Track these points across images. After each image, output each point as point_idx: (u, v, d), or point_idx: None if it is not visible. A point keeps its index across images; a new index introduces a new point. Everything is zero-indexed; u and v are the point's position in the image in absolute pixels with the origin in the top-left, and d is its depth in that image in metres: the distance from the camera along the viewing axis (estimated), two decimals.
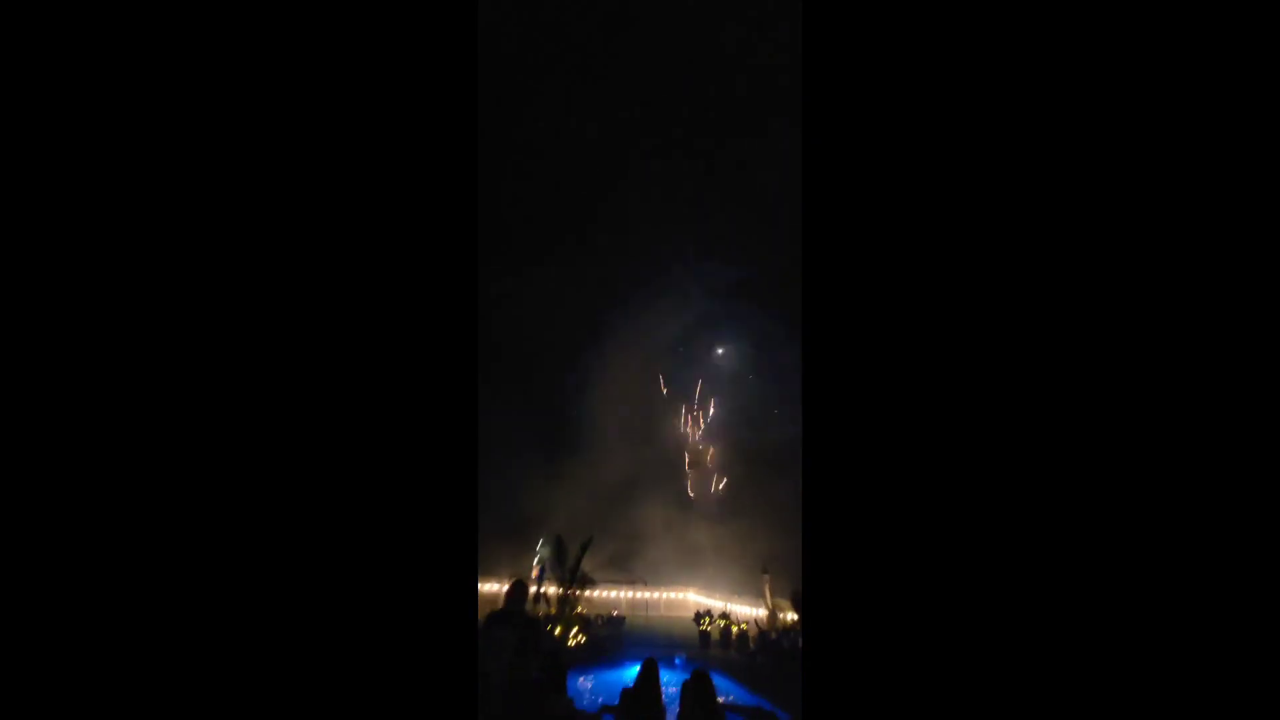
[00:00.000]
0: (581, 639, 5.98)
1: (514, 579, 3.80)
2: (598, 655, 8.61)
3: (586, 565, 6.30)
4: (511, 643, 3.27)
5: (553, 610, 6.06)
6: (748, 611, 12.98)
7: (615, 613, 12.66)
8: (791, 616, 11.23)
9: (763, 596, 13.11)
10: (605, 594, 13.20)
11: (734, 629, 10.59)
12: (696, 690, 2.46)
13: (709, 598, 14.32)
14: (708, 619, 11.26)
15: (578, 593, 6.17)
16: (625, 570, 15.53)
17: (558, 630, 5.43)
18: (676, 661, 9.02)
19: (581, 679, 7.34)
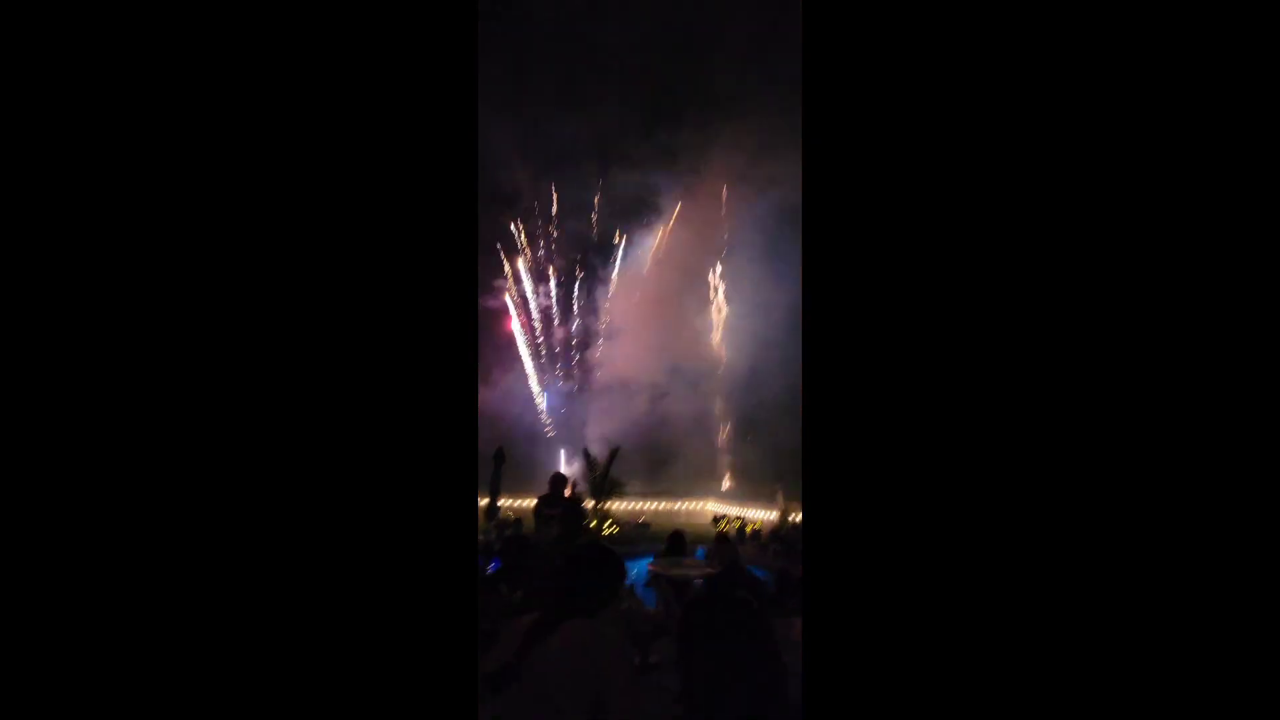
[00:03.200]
0: (615, 529, 7.00)
1: (553, 474, 4.56)
2: (628, 547, 9.94)
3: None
4: (557, 515, 4.02)
5: (588, 506, 7.06)
6: (762, 515, 14.23)
7: (641, 519, 14.09)
8: (801, 516, 12.34)
9: (776, 502, 14.29)
10: (631, 505, 14.53)
11: (748, 528, 11.78)
12: (719, 549, 3.12)
13: (727, 507, 15.62)
14: (725, 520, 12.48)
15: (608, 503, 7.11)
16: (650, 484, 16.84)
17: (593, 523, 6.37)
18: (698, 553, 10.35)
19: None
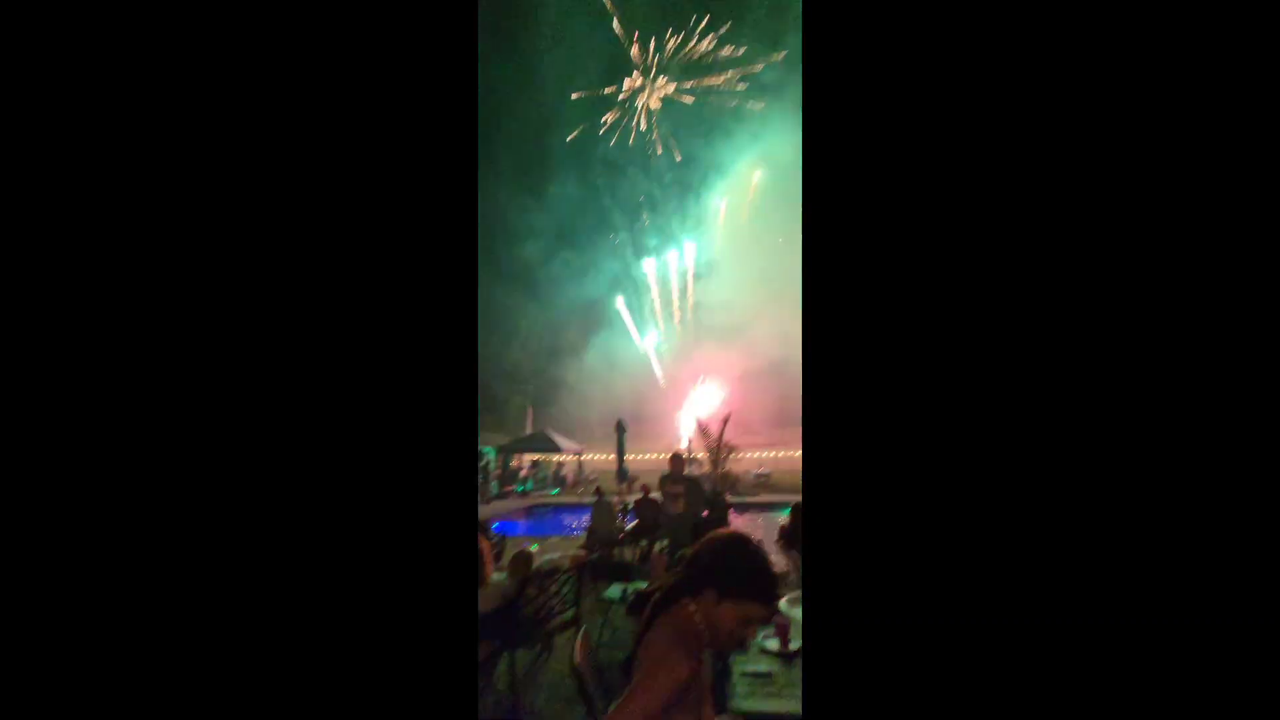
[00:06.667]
0: (730, 494, 7.46)
1: (672, 453, 5.10)
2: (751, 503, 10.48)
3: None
4: (681, 494, 4.56)
5: (706, 470, 7.59)
6: None
7: (761, 469, 14.46)
8: None
9: None
10: (750, 455, 14.90)
11: None
12: None
13: None
14: None
15: (725, 457, 7.58)
16: (764, 435, 17.01)
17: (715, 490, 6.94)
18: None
19: (740, 517, 9.17)
